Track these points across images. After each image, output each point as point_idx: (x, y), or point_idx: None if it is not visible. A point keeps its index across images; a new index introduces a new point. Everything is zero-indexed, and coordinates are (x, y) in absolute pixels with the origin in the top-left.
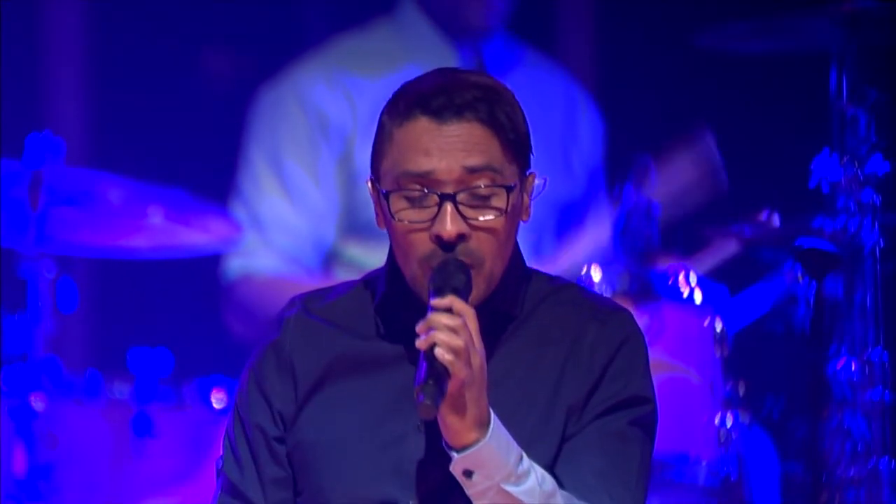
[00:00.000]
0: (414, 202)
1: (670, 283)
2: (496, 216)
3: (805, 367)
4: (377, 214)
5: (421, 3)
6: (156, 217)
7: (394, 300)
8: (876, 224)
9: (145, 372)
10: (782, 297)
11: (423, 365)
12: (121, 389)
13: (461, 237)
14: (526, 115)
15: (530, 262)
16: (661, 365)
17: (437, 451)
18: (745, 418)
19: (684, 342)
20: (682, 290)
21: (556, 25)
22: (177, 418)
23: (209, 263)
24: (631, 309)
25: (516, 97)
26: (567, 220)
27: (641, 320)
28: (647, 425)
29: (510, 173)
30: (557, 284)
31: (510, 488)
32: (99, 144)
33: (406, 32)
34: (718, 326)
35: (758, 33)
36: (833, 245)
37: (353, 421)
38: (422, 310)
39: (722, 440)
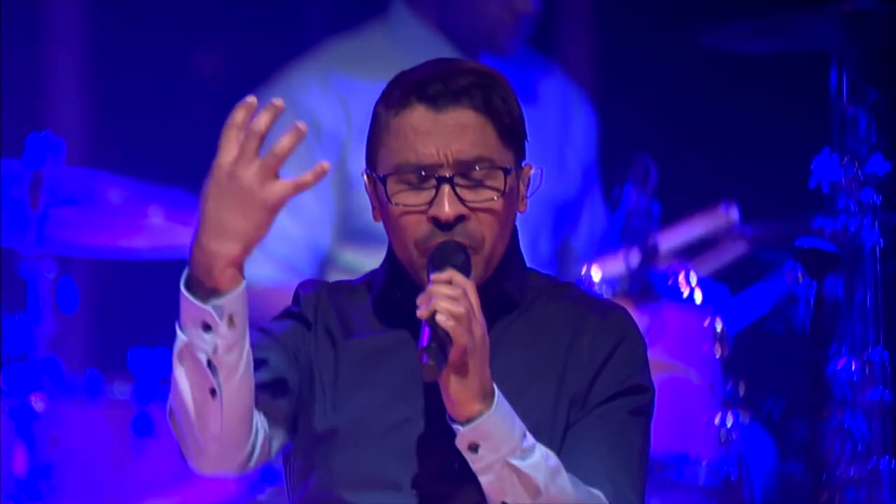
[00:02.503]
0: (411, 186)
1: (670, 283)
2: (494, 197)
3: (805, 367)
4: (373, 208)
5: (411, 4)
6: (156, 217)
7: (394, 289)
8: (876, 224)
9: (145, 372)
10: (782, 297)
11: (426, 331)
12: (121, 389)
13: (459, 218)
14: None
15: (528, 262)
16: (661, 365)
17: (440, 435)
18: (745, 418)
19: (684, 342)
20: (682, 290)
21: (556, 24)
22: None
23: None
24: (631, 309)
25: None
26: (563, 218)
27: (641, 320)
28: (646, 413)
29: (506, 158)
30: (556, 281)
31: (516, 462)
32: (99, 144)
33: (398, 34)
34: (718, 326)
35: (758, 33)
36: (833, 245)
37: (360, 407)
38: (420, 292)
39: (722, 440)
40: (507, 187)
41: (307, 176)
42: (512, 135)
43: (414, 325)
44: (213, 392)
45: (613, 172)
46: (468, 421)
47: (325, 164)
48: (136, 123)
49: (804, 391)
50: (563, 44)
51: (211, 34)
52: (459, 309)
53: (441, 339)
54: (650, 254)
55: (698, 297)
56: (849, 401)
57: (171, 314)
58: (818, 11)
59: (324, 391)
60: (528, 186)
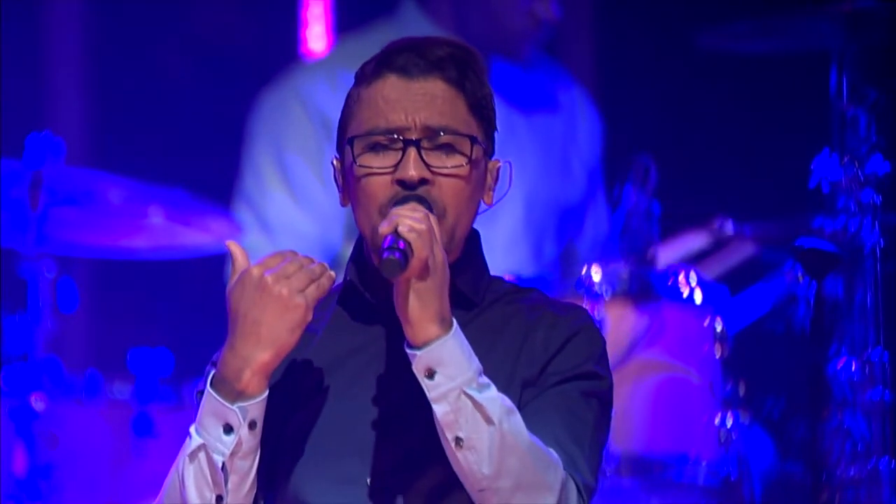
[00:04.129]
0: (378, 149)
1: (670, 283)
2: (461, 163)
3: (805, 367)
4: (341, 194)
5: (422, 4)
6: (156, 217)
7: (356, 290)
8: (876, 224)
9: (145, 372)
10: (782, 297)
11: (388, 238)
12: (121, 389)
13: (423, 182)
14: (526, 118)
15: (530, 266)
16: (661, 365)
17: (396, 430)
18: (745, 418)
19: (684, 342)
20: (682, 290)
21: (556, 25)
22: (177, 418)
23: (209, 263)
24: (631, 309)
25: (516, 95)
26: (567, 222)
27: (641, 320)
28: (601, 399)
29: (474, 130)
30: (519, 287)
31: (472, 392)
32: (99, 144)
33: (408, 33)
34: (718, 326)
35: (758, 33)
36: (833, 245)
37: (316, 409)
38: (382, 292)
39: (722, 440)
40: (473, 155)
41: (324, 280)
42: (482, 112)
43: (369, 328)
44: (219, 499)
45: (614, 172)
46: (425, 344)
47: (333, 274)
48: (136, 123)
49: (804, 391)
50: (564, 44)
51: (213, 33)
52: (422, 225)
53: (403, 247)
54: (650, 254)
55: (698, 297)
56: (849, 401)
57: (170, 314)
58: (818, 11)
59: (291, 408)
60: (496, 181)
